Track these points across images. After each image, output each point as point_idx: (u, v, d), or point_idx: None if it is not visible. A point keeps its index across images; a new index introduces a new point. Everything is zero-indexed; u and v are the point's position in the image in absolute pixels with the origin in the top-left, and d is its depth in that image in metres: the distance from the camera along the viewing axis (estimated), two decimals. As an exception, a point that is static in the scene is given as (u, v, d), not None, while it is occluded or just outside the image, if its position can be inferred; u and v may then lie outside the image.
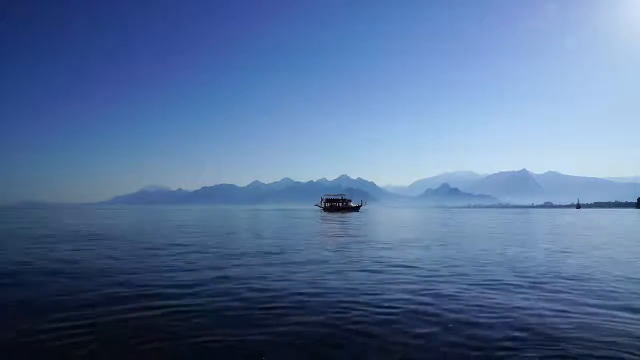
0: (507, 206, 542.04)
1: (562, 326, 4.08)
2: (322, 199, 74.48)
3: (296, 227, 23.18)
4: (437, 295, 5.37)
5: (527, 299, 5.17)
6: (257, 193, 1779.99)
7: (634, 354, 3.37)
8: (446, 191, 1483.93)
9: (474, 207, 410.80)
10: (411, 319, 4.32)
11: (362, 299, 5.20)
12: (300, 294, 5.52)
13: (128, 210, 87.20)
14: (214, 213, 56.12)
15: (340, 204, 71.74)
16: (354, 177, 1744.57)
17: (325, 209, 71.47)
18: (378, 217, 43.35)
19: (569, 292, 5.57)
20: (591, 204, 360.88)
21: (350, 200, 73.18)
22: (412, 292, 5.59)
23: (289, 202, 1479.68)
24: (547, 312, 4.59)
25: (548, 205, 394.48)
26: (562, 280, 6.46)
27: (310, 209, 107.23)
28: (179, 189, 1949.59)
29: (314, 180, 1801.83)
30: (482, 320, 4.27)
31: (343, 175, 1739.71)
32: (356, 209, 72.47)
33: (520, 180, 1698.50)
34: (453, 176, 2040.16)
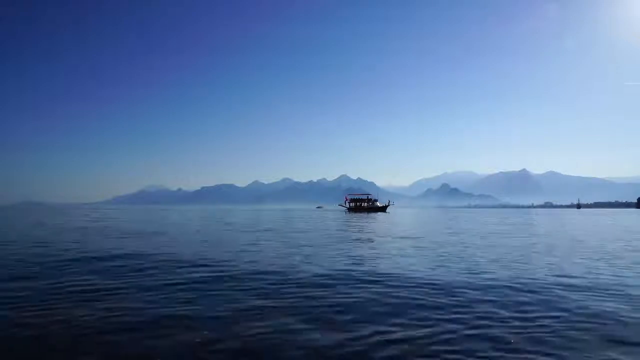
0: (507, 206, 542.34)
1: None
2: (346, 199, 71.89)
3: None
4: None
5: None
6: (257, 193, 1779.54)
7: None
8: (446, 191, 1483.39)
9: (474, 207, 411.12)
10: None
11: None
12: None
13: (141, 210, 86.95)
14: (236, 214, 55.22)
15: (366, 204, 68.92)
16: (354, 177, 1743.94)
17: (350, 209, 69.05)
18: (410, 219, 42.70)
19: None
20: (591, 204, 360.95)
21: (376, 200, 69.86)
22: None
23: (289, 202, 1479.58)
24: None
25: (548, 205, 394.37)
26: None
27: (311, 209, 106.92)
28: (179, 189, 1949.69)
29: (314, 180, 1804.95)
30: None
31: (343, 175, 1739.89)
32: (383, 209, 68.56)
33: (520, 180, 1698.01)
34: (453, 176, 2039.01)
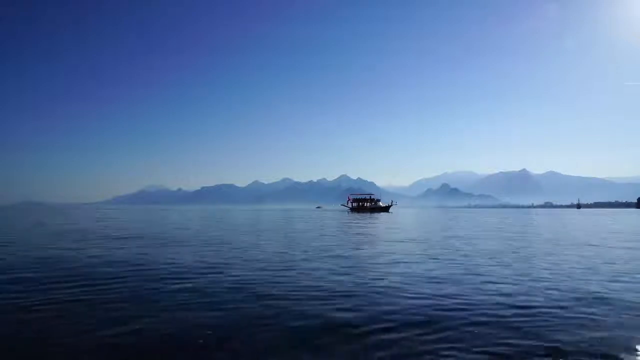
0: (507, 206, 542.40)
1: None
2: (349, 199, 72.16)
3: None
4: None
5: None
6: (257, 193, 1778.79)
7: None
8: (446, 191, 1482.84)
9: (474, 207, 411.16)
10: None
11: None
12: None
13: (141, 210, 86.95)
14: (235, 214, 55.08)
15: (369, 204, 69.01)
16: (354, 177, 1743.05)
17: (352, 209, 69.23)
18: (420, 220, 42.32)
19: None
20: (591, 204, 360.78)
21: (379, 200, 69.98)
22: None
23: (289, 202, 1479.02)
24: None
25: (548, 205, 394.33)
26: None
27: (311, 209, 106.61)
28: (179, 189, 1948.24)
29: (314, 180, 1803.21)
30: None
31: (343, 175, 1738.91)
32: (386, 209, 68.59)
33: (520, 180, 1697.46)
34: (453, 176, 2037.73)
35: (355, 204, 70.42)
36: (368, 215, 48.43)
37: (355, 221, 30.93)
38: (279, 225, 24.89)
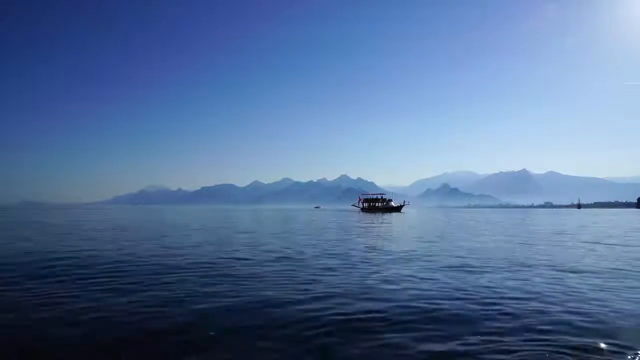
0: (507, 206, 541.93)
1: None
2: (359, 199, 72.34)
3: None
4: None
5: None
6: (257, 193, 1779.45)
7: None
8: (446, 191, 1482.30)
9: (474, 207, 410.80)
10: None
11: None
12: None
13: (142, 210, 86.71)
14: (236, 214, 54.75)
15: (380, 204, 68.69)
16: (354, 177, 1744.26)
17: (363, 210, 69.04)
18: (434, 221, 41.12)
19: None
20: (591, 203, 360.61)
21: (390, 200, 69.62)
22: None
23: (288, 202, 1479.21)
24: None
25: (548, 205, 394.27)
26: None
27: (312, 209, 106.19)
28: (179, 189, 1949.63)
29: (314, 180, 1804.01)
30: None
31: (343, 175, 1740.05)
32: (398, 209, 67.80)
33: (520, 180, 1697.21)
34: (453, 176, 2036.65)
35: (366, 204, 70.16)
36: (380, 215, 47.34)
37: (369, 223, 28.91)
38: (290, 229, 24.54)
